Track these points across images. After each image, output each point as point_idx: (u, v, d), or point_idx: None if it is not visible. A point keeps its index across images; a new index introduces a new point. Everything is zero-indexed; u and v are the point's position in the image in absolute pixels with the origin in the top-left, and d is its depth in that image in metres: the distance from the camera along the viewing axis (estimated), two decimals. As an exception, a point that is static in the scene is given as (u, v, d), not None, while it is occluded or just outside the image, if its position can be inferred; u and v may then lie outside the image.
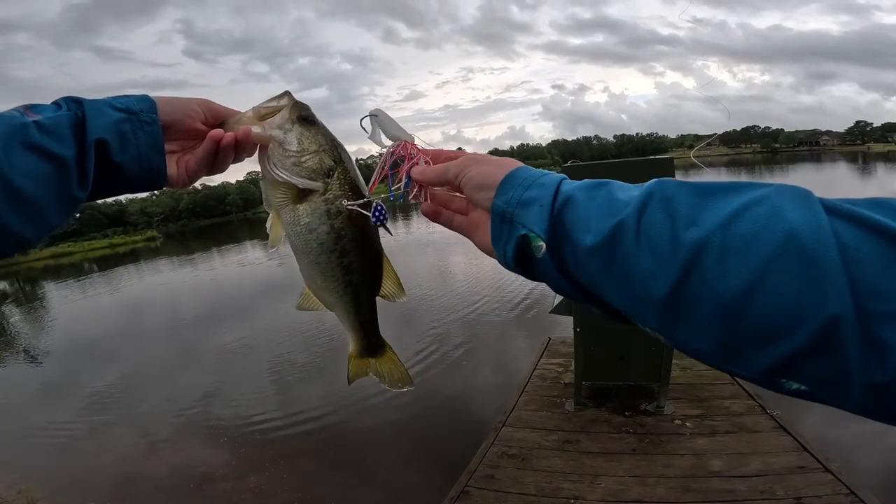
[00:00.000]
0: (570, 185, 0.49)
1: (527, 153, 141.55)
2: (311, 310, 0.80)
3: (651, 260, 0.39)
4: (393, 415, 5.30)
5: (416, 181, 0.65)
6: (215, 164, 0.68)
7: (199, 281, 18.70)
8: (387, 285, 0.78)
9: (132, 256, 32.53)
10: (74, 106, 0.57)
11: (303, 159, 0.69)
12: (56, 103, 0.58)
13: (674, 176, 3.38)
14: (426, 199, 0.65)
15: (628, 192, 0.44)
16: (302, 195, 0.69)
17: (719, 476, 2.95)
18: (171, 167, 0.66)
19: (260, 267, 19.54)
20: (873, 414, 0.33)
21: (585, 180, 0.48)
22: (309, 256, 0.71)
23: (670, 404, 3.73)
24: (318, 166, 0.69)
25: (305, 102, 0.71)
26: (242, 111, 0.71)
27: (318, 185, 0.69)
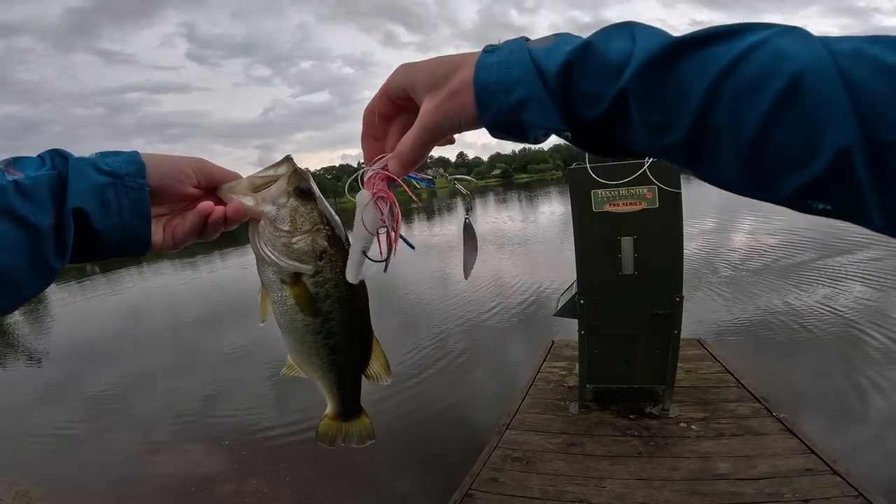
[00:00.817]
0: (549, 61, 0.45)
1: (528, 157, 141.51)
2: (297, 377, 0.79)
3: (662, 116, 0.40)
4: (394, 419, 5.27)
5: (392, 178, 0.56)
6: (204, 233, 0.64)
7: (200, 283, 18.71)
8: (374, 366, 0.76)
9: (134, 258, 32.57)
10: (60, 162, 0.53)
11: (294, 240, 0.65)
12: (41, 157, 0.54)
13: (679, 181, 3.37)
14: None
15: (618, 48, 0.42)
16: (292, 276, 0.66)
17: (726, 479, 2.92)
18: (157, 233, 0.61)
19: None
20: (892, 233, 0.35)
21: (559, 40, 0.46)
22: (294, 335, 0.69)
23: (675, 407, 3.70)
24: (310, 248, 0.65)
25: (305, 171, 0.67)
26: (238, 175, 0.66)
27: (307, 268, 0.66)
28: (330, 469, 4.65)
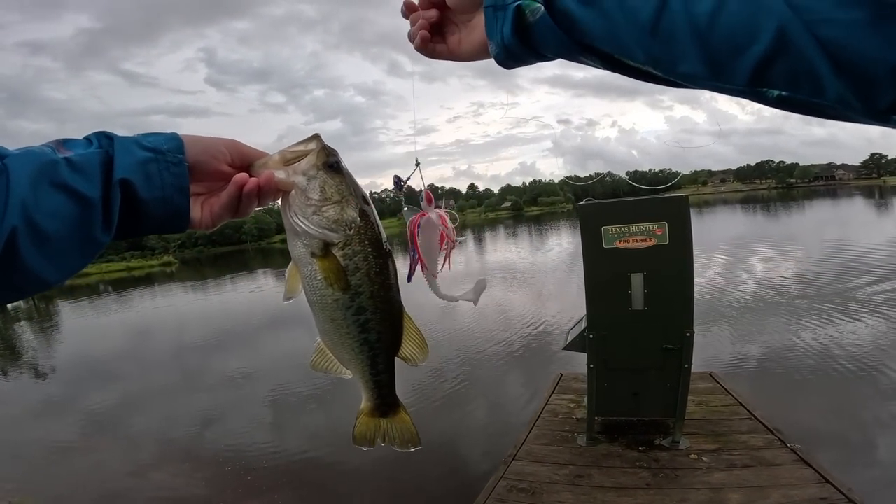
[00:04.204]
0: None
1: (539, 190, 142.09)
2: (327, 371, 0.77)
3: (631, 4, 0.47)
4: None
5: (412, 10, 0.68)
6: (239, 208, 0.65)
7: (208, 307, 18.87)
8: (408, 346, 0.75)
9: (147, 280, 32.95)
10: (106, 142, 0.57)
11: (324, 209, 0.65)
12: (88, 139, 0.57)
13: (689, 217, 3.42)
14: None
15: None
16: (322, 248, 0.66)
17: (738, 511, 2.83)
18: (196, 210, 0.64)
19: (269, 296, 19.79)
20: (848, 102, 0.39)
21: None
22: (325, 312, 0.69)
23: (686, 439, 3.62)
24: (339, 217, 0.66)
25: (334, 147, 0.68)
26: (270, 153, 0.68)
27: (336, 236, 0.66)
28: (334, 496, 4.59)
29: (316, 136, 0.68)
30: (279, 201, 0.67)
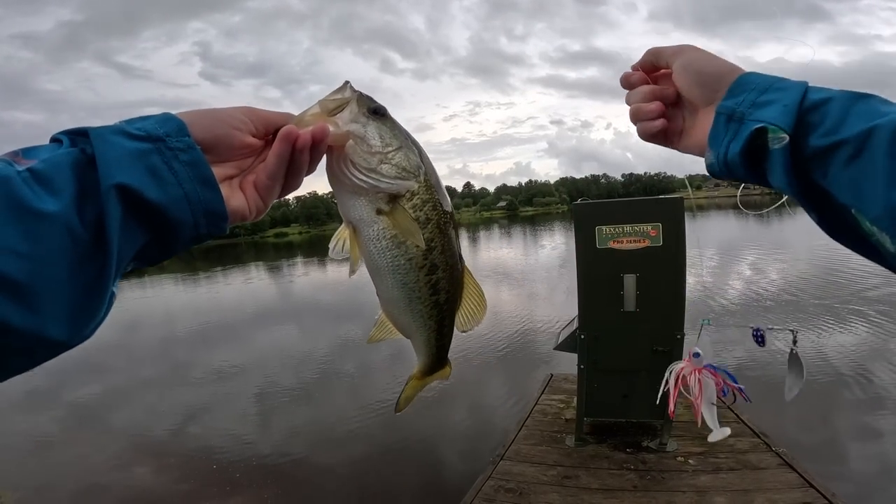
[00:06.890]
0: (821, 92, 0.48)
1: (534, 191, 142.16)
2: (382, 341, 0.73)
3: None
4: (390, 447, 5.18)
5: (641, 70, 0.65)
6: (289, 175, 0.54)
7: (198, 300, 18.72)
8: (466, 304, 0.69)
9: (137, 273, 32.56)
10: (80, 140, 0.43)
11: (389, 156, 0.58)
12: (56, 139, 0.44)
13: (683, 218, 3.40)
14: None
15: (891, 106, 0.45)
16: (389, 201, 0.59)
17: (723, 514, 2.85)
18: (234, 197, 0.51)
19: (259, 290, 19.73)
20: None
21: (844, 90, 0.48)
22: (395, 276, 0.61)
23: (673, 441, 3.64)
24: (408, 163, 0.59)
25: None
26: (294, 113, 0.58)
27: (411, 184, 0.59)
28: (320, 494, 4.58)
29: (348, 84, 0.59)
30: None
